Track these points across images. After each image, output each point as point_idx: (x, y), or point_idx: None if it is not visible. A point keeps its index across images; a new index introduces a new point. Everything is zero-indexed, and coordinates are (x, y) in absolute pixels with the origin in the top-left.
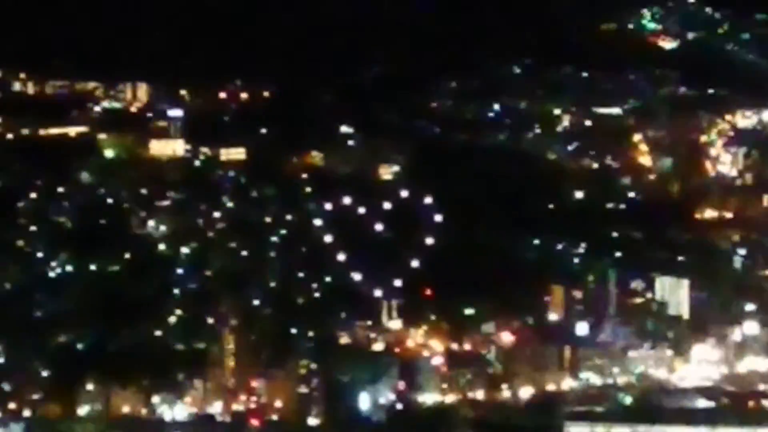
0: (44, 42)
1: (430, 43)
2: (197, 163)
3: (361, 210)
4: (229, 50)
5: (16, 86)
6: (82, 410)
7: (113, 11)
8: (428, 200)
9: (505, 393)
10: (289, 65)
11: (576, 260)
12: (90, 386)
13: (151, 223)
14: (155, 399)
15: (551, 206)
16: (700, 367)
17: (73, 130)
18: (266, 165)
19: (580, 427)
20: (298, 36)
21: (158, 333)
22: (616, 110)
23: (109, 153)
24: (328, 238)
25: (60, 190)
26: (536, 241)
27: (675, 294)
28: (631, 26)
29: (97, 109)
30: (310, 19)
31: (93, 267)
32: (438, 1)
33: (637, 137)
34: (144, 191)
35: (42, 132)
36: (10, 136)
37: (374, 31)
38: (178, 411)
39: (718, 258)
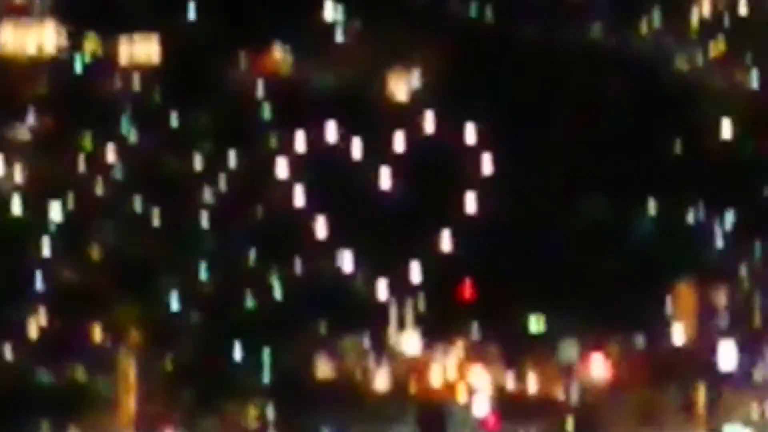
0: None
1: None
2: (78, 65)
3: (356, 152)
4: None
5: None
6: None
7: None
8: (469, 137)
9: None
10: None
11: (719, 241)
12: None
13: None
14: None
15: (678, 150)
16: None
17: None
18: (195, 71)
19: None
20: None
21: (9, 355)
22: None
23: None
24: (299, 198)
25: None
26: (651, 208)
27: None
28: None
29: None
30: None
31: None
32: None
33: None
34: None
35: None
36: None
37: None
38: None
39: None
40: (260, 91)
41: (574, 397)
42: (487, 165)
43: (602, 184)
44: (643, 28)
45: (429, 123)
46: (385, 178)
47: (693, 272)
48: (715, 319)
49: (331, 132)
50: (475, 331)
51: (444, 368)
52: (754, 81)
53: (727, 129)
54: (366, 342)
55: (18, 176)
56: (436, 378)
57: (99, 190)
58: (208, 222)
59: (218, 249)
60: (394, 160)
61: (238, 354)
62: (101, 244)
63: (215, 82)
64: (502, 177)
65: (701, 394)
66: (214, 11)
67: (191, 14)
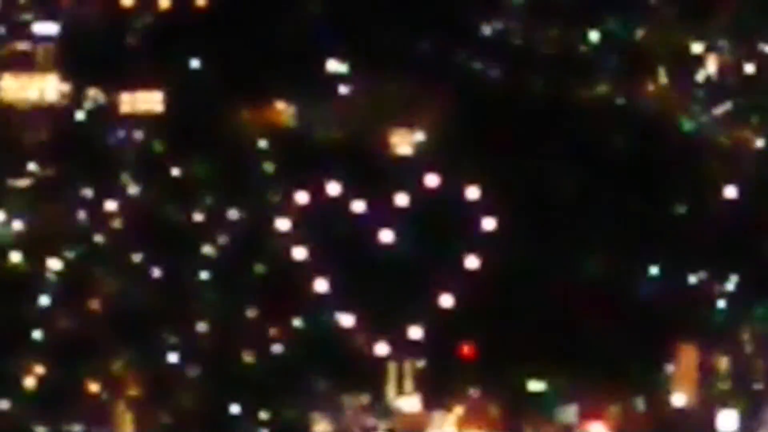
0: None
1: None
2: (80, 115)
3: (358, 206)
4: None
5: None
6: None
7: None
8: (472, 193)
9: None
10: None
11: (721, 303)
12: None
13: None
14: None
15: (682, 210)
16: None
17: None
18: (198, 123)
19: None
20: None
21: (4, 405)
22: None
23: None
24: (299, 253)
25: None
26: (654, 270)
27: None
28: None
29: None
30: None
31: None
32: None
33: None
34: None
35: None
36: None
37: None
38: None
39: None
40: (262, 143)
41: None
42: (489, 222)
43: (605, 244)
44: (650, 85)
45: (432, 179)
46: (386, 234)
47: (695, 334)
48: (717, 382)
49: (333, 186)
50: (474, 390)
51: (443, 427)
52: (759, 141)
53: (731, 189)
54: (365, 399)
55: (18, 225)
56: None
57: (98, 238)
58: (208, 274)
59: (216, 302)
60: (396, 216)
61: (236, 408)
62: (100, 293)
63: (217, 134)
64: (505, 235)
65: None
66: (217, 63)
67: (194, 65)
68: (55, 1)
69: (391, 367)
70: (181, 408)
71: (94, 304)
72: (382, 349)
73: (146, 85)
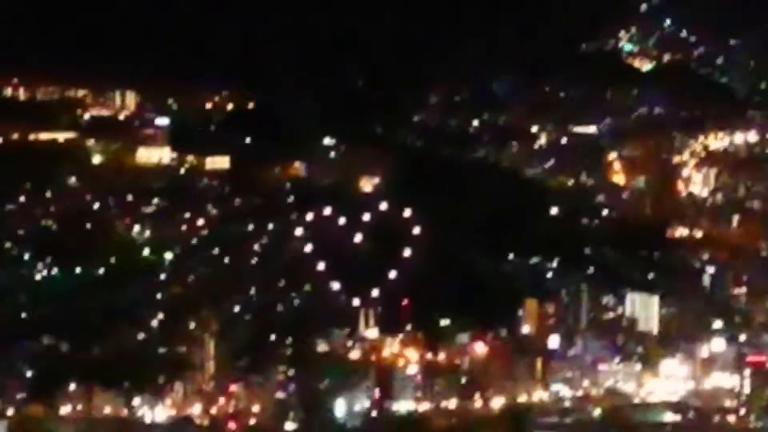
0: (36, 48)
1: (415, 56)
2: (182, 171)
3: (342, 221)
4: (215, 62)
5: (8, 91)
6: (65, 410)
7: (105, 17)
8: (407, 213)
9: (478, 403)
10: (274, 78)
11: (550, 275)
12: (73, 387)
13: (136, 228)
14: (136, 401)
15: (527, 221)
16: (667, 382)
17: (62, 136)
18: (249, 174)
19: None
20: (283, 49)
21: (141, 336)
22: (592, 129)
23: (96, 159)
24: (308, 248)
25: (47, 194)
26: (511, 256)
27: (645, 310)
28: (609, 47)
29: (86, 115)
30: (294, 33)
31: (78, 271)
32: (422, 14)
33: (611, 156)
34: (130, 197)
35: (32, 137)
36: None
37: (359, 44)
38: (158, 413)
39: (687, 276)
40: (287, 186)
41: (465, 365)
42: (417, 230)
43: (484, 241)
44: (509, 150)
45: (383, 205)
46: (357, 237)
47: (535, 294)
48: (548, 320)
49: (327, 210)
50: (409, 327)
51: (391, 348)
52: (570, 181)
53: (553, 209)
54: (347, 331)
55: (147, 233)
56: (387, 354)
57: (193, 241)
58: (255, 261)
59: (260, 277)
60: (363, 226)
61: (272, 338)
62: (194, 273)
63: (261, 180)
64: (426, 237)
65: (539, 365)
66: (259, 139)
67: (247, 140)
68: (167, 105)
69: (362, 313)
70: (242, 338)
71: (191, 279)
72: (356, 301)
73: (220, 152)
